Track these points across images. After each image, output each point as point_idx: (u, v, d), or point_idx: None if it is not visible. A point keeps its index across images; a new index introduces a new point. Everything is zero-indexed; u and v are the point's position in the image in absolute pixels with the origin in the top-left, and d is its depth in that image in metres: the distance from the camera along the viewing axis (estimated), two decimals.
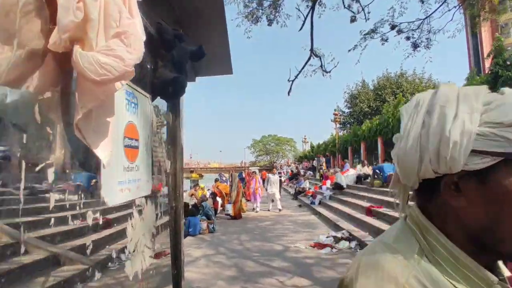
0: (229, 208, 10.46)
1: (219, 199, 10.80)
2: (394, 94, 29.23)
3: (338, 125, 28.70)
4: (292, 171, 28.35)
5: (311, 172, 24.18)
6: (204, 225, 7.47)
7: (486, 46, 27.90)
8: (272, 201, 11.23)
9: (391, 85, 29.75)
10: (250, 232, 7.61)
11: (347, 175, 12.17)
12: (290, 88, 5.76)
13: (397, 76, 30.57)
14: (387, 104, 22.87)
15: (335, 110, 30.37)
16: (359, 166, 11.90)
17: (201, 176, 59.74)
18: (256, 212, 10.74)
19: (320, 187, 14.62)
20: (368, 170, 11.78)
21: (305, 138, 44.62)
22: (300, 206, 12.57)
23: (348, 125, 33.74)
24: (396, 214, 0.60)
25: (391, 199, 7.91)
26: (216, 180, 11.82)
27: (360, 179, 11.52)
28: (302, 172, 26.99)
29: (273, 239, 6.82)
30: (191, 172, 58.42)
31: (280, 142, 52.99)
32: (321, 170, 17.49)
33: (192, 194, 10.23)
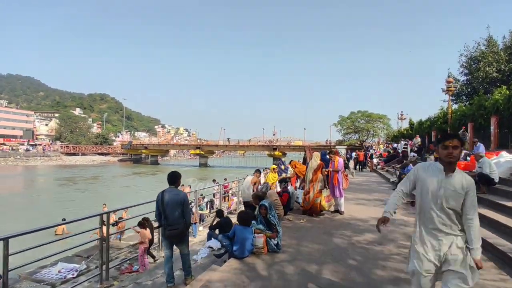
0: (300, 195, 7.20)
1: (293, 190, 7.55)
2: None
3: (450, 96, 22.14)
4: (389, 151, 23.21)
5: (415, 154, 18.91)
6: (260, 240, 4.33)
7: None
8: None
9: None
10: (340, 260, 4.17)
11: (497, 163, 7.51)
12: None
13: None
14: None
15: (448, 76, 23.52)
16: None
17: (283, 154, 57.54)
18: (341, 213, 7.14)
19: None
20: None
21: (401, 115, 37.65)
22: (412, 203, 8.44)
23: (464, 97, 26.24)
24: None
25: None
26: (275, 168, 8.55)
27: None
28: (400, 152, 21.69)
29: None
30: (274, 149, 56.64)
31: (371, 119, 46.16)
32: (434, 153, 12.54)
33: (255, 183, 7.14)
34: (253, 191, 6.96)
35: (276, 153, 53.14)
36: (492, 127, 16.45)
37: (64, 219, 10.94)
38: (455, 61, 33.84)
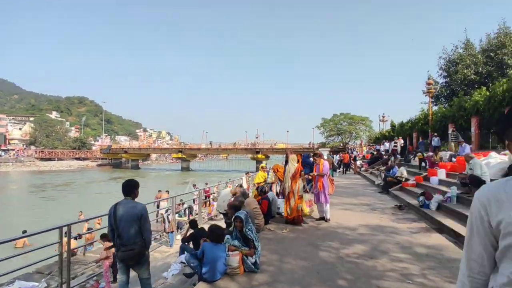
0: (281, 205, 6.66)
1: (273, 196, 6.95)
2: None
3: (431, 98, 22.29)
4: (372, 153, 23.07)
5: (398, 155, 18.80)
6: (235, 258, 3.68)
7: None
8: None
9: None
10: (328, 280, 3.56)
11: (487, 164, 7.19)
12: None
13: None
14: None
15: (428, 78, 23.72)
16: None
17: (267, 157, 57.04)
18: (327, 221, 6.53)
19: (426, 179, 9.80)
20: None
21: (383, 117, 37.99)
22: (400, 207, 8.02)
23: (443, 99, 26.57)
24: None
25: None
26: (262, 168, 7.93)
27: None
28: (383, 153, 21.60)
29: None
30: (257, 152, 56.06)
31: (354, 121, 46.48)
32: (419, 153, 12.25)
33: (235, 193, 6.45)
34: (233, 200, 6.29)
35: (259, 156, 52.63)
36: (472, 128, 16.47)
37: (25, 231, 9.86)
38: (435, 63, 34.43)
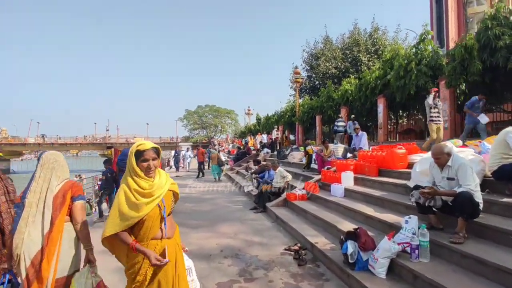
0: None
1: None
2: (369, 51, 22.17)
3: (298, 88, 20.58)
4: (239, 147, 19.55)
5: (269, 150, 15.73)
6: None
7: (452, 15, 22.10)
8: None
9: (365, 42, 22.55)
10: None
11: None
12: None
13: (366, 33, 23.45)
14: (386, 49, 15.43)
15: (296, 67, 22.09)
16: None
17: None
18: None
19: (322, 186, 6.14)
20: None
21: (249, 110, 36.05)
22: (298, 256, 3.81)
23: (305, 93, 25.92)
24: None
25: None
26: None
27: None
28: (251, 149, 18.39)
29: None
30: (108, 148, 45.95)
31: (219, 114, 43.14)
32: (308, 147, 8.74)
33: None
34: None
35: (110, 152, 43.01)
36: (342, 118, 14.96)
37: None
38: (299, 56, 34.58)
